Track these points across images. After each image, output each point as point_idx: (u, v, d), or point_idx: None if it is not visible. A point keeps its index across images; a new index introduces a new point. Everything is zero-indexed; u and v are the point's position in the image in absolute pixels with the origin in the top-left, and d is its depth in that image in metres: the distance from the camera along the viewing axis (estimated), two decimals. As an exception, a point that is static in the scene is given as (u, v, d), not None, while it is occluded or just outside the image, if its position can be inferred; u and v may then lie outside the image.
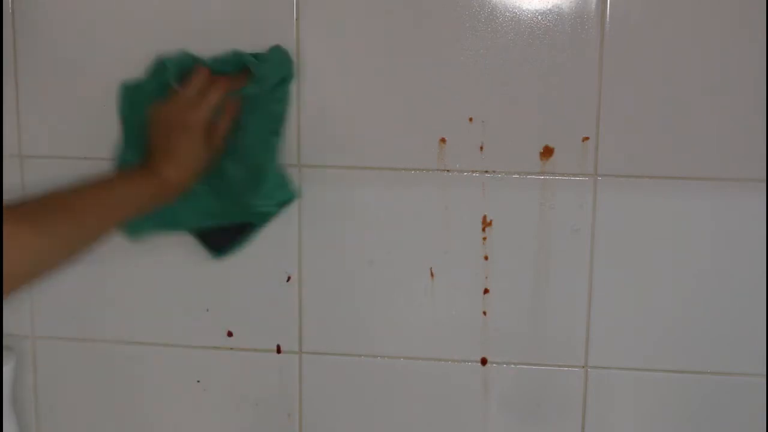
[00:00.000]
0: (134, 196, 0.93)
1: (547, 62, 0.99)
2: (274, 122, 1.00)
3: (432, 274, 1.05)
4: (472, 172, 1.02)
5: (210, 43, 1.01)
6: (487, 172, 1.02)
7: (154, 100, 0.98)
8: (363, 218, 1.04)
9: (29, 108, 1.07)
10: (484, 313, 1.05)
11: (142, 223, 0.99)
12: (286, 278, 1.07)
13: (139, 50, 1.02)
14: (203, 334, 1.10)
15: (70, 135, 1.06)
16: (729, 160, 0.99)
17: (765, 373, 1.03)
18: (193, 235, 1.05)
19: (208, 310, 1.09)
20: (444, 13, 0.99)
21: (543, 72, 0.99)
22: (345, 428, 1.10)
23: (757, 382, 1.03)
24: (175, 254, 1.07)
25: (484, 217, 1.03)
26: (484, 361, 1.06)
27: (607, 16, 0.97)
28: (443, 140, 1.02)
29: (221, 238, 1.04)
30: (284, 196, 1.01)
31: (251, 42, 1.00)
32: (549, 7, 0.98)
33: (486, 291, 1.05)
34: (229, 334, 1.09)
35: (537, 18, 0.98)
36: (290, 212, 1.04)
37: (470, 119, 1.01)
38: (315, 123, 1.02)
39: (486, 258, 1.04)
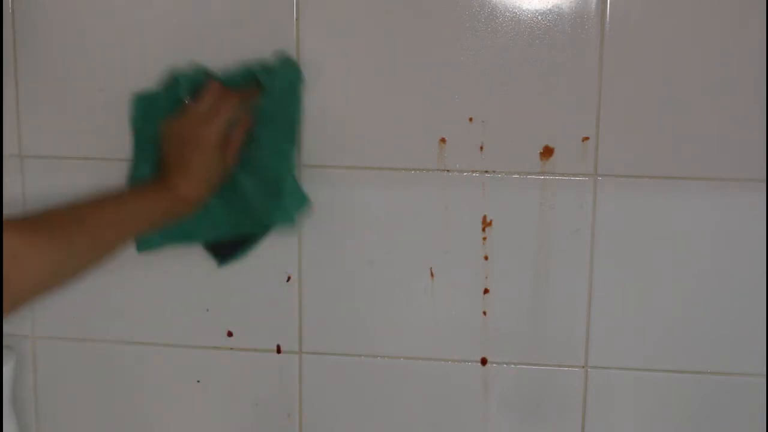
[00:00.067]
0: (149, 212, 0.93)
1: (547, 62, 0.99)
2: (287, 131, 0.99)
3: (432, 274, 1.05)
4: (472, 172, 1.02)
5: (210, 43, 1.01)
6: (487, 172, 1.02)
7: (166, 113, 0.97)
8: (363, 218, 1.04)
9: (29, 108, 1.06)
10: (484, 313, 1.05)
11: (153, 236, 1.00)
12: (286, 278, 1.07)
13: (138, 50, 1.02)
14: (203, 334, 1.10)
15: (70, 135, 1.06)
16: (729, 160, 0.99)
17: (765, 373, 1.03)
18: (202, 246, 1.05)
19: (208, 310, 1.09)
20: (444, 13, 0.99)
21: (543, 72, 0.99)
22: (345, 428, 1.10)
23: (757, 382, 1.03)
24: (176, 255, 1.06)
25: (484, 217, 1.03)
26: (484, 361, 1.06)
27: (607, 16, 0.97)
28: (443, 140, 1.02)
29: (230, 248, 1.04)
30: (301, 204, 1.01)
31: (251, 42, 1.00)
32: (549, 7, 0.98)
33: (486, 291, 1.05)
34: (229, 334, 1.09)
35: (537, 18, 0.98)
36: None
37: (470, 119, 1.01)
38: (315, 123, 1.02)
39: (486, 258, 1.04)
